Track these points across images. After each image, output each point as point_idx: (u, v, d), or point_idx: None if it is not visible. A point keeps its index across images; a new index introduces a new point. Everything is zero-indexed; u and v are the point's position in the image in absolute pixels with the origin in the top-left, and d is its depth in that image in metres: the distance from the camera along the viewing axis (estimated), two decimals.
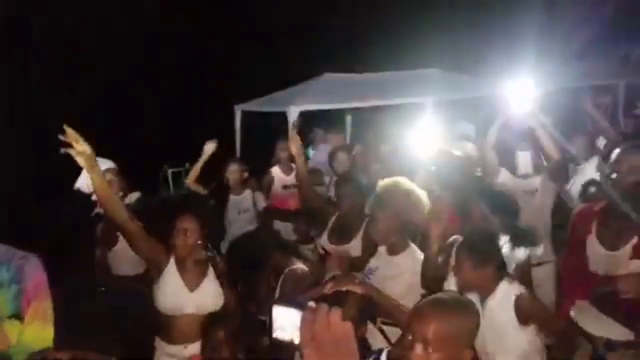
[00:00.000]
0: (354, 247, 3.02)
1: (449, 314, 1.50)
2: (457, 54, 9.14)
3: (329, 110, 7.06)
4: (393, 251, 2.63)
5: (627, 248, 2.08)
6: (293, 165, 4.57)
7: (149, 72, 9.83)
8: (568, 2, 10.27)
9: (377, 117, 7.03)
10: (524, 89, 3.26)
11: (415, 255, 2.61)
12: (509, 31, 8.78)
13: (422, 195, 2.59)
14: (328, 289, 1.98)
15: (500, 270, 2.08)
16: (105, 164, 3.72)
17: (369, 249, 2.83)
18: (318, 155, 5.41)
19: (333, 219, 3.21)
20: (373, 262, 2.70)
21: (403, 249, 2.64)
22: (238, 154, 7.09)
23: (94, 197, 3.15)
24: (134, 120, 9.46)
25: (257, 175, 5.24)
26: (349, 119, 7.96)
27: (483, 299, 2.07)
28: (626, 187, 2.11)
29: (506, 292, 2.05)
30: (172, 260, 2.65)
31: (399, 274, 2.54)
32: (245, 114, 7.70)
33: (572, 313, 2.28)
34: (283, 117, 6.53)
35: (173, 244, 2.60)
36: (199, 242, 2.60)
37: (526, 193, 3.26)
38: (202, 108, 10.00)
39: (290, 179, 4.74)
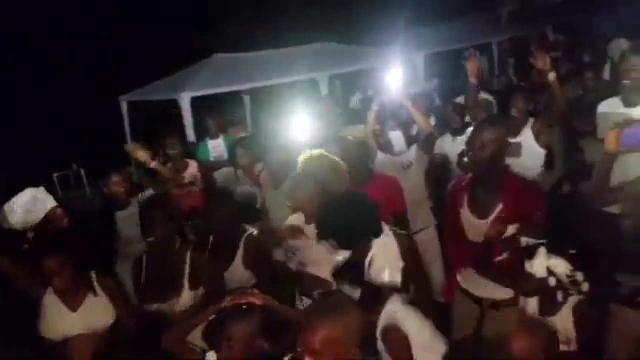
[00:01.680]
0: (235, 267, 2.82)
1: (333, 320, 1.51)
2: (344, 25, 9.26)
3: (224, 94, 6.82)
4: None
5: (494, 216, 2.23)
6: (188, 160, 4.31)
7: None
8: None
9: (276, 96, 6.95)
10: (391, 69, 3.32)
11: None
12: None
13: (342, 165, 2.64)
14: (227, 302, 1.99)
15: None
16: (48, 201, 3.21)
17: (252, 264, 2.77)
18: (216, 148, 5.02)
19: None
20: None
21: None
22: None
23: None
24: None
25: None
26: (247, 99, 7.77)
27: None
28: (480, 162, 2.23)
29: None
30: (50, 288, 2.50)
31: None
32: (132, 105, 7.21)
33: (459, 279, 2.46)
34: (174, 105, 6.21)
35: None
36: (73, 275, 2.47)
37: (404, 168, 3.42)
38: (83, 104, 9.18)
39: (186, 175, 4.27)
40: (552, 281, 2.01)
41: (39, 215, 3.11)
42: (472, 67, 3.38)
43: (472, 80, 3.40)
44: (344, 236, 2.06)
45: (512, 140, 3.37)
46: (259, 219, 3.38)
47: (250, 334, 1.92)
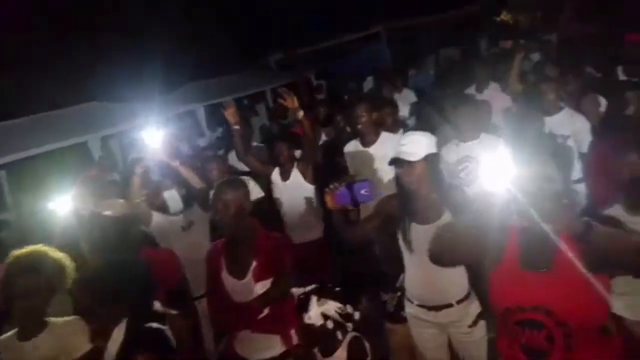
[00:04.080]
0: None
1: None
2: (113, 82, 8.76)
3: None
4: None
5: (249, 274, 2.28)
6: None
7: None
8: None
9: (41, 167, 6.10)
10: (150, 130, 3.22)
11: None
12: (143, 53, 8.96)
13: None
14: None
15: None
16: None
17: None
18: None
19: None
20: None
21: None
22: None
23: None
24: None
25: None
26: (2, 176, 6.62)
27: None
28: (227, 223, 2.25)
29: None
30: None
31: None
32: None
33: (234, 345, 2.41)
34: None
35: None
36: None
37: (183, 228, 3.29)
38: None
39: None
40: (330, 324, 2.11)
41: None
42: (231, 116, 3.49)
43: (235, 127, 3.51)
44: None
45: (284, 183, 3.62)
46: None
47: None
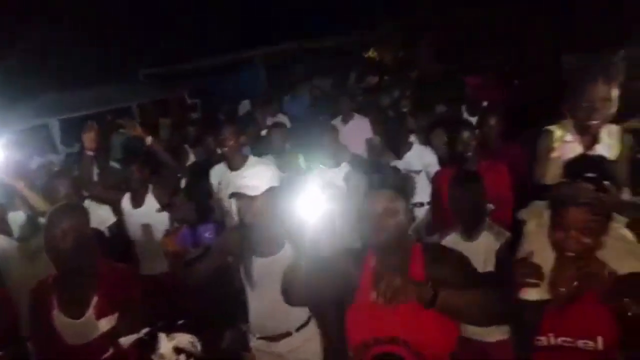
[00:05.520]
0: None
1: None
2: None
3: None
4: None
5: (91, 311, 2.03)
6: None
7: None
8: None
9: None
10: None
11: None
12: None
13: None
14: None
15: None
16: None
17: None
18: None
19: None
20: None
21: None
22: None
23: None
24: None
25: None
26: None
27: None
28: (65, 254, 1.98)
29: None
30: None
31: None
32: None
33: None
34: None
35: None
36: None
37: (28, 257, 2.86)
38: None
39: None
40: (183, 358, 2.00)
41: None
42: (87, 139, 3.15)
43: (88, 152, 3.18)
44: None
45: (135, 209, 3.39)
46: None
47: None
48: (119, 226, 3.45)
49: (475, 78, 6.58)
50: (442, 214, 3.08)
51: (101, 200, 3.47)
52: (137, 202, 3.38)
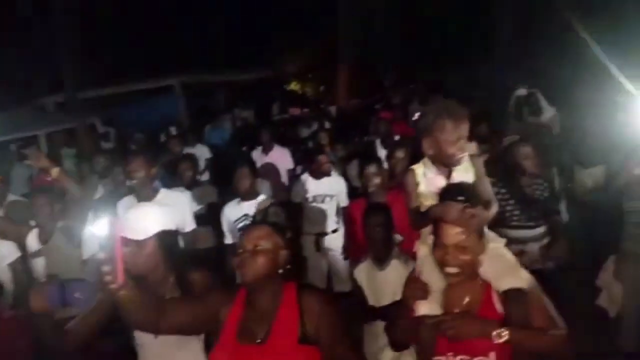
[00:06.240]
0: None
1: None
2: None
3: None
4: None
5: None
6: None
7: None
8: None
9: None
10: None
11: None
12: None
13: None
14: None
15: None
16: None
17: None
18: None
19: None
20: None
21: None
22: None
23: None
24: None
25: None
26: None
27: None
28: None
29: None
30: None
31: None
32: None
33: None
34: None
35: None
36: None
37: None
38: None
39: None
40: None
41: None
42: None
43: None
44: None
45: (43, 245, 3.14)
46: None
47: None
48: (23, 263, 3.15)
49: (389, 113, 6.95)
50: (356, 242, 3.18)
51: (4, 235, 3.18)
52: (45, 237, 3.13)
